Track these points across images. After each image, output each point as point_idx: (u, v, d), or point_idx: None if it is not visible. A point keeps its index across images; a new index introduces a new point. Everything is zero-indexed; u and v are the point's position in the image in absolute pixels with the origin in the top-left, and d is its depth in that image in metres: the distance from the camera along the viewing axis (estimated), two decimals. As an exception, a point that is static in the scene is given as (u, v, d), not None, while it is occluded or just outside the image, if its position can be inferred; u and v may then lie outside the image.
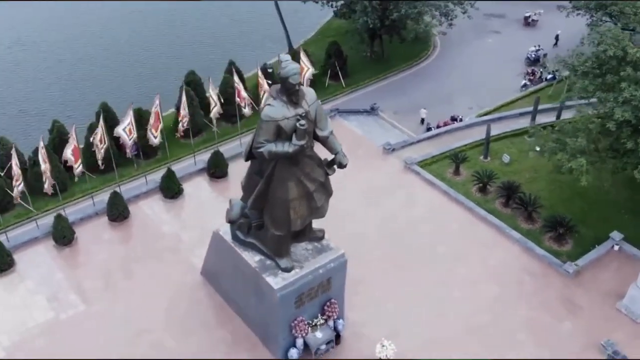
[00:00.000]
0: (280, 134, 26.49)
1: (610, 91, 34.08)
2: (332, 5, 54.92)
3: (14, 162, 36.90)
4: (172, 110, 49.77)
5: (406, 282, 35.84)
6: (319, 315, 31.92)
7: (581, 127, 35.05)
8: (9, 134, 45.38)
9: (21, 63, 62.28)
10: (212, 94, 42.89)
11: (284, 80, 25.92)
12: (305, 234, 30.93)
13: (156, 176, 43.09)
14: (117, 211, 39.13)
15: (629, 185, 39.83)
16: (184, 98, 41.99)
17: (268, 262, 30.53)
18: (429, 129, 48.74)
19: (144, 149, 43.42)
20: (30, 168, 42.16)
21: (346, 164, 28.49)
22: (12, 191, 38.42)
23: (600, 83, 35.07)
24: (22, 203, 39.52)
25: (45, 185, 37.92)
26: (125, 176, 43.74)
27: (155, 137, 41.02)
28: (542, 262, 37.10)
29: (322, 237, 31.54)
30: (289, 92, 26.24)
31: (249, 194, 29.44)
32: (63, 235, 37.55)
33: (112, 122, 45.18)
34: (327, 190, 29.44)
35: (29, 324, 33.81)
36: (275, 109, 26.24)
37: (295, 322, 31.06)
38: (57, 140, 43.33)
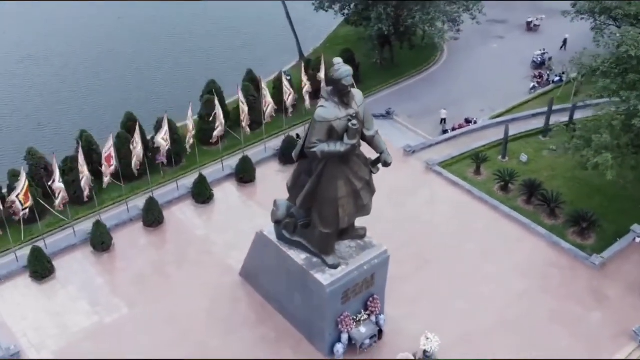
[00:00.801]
0: (332, 134, 27.56)
1: (633, 89, 35.58)
2: (344, 14, 56.11)
3: (56, 172, 37.46)
4: (195, 117, 50.64)
5: (437, 279, 36.96)
6: (362, 310, 32.94)
7: (604, 124, 36.47)
8: (35, 145, 45.78)
9: (35, 77, 62.70)
10: (242, 101, 43.71)
11: (337, 81, 27.03)
12: (349, 232, 31.96)
13: (184, 182, 43.96)
14: (153, 217, 39.90)
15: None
16: (217, 107, 42.89)
17: (314, 259, 31.49)
18: (445, 132, 50.04)
19: (170, 157, 44.26)
20: (62, 177, 42.79)
21: (391, 162, 29.64)
22: (44, 201, 39.18)
23: (621, 82, 36.61)
24: (56, 213, 39.95)
25: (86, 192, 38.60)
26: (154, 183, 44.45)
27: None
28: (569, 255, 38.43)
29: (364, 235, 32.59)
30: (341, 94, 27.37)
31: (297, 194, 30.41)
32: (102, 241, 38.24)
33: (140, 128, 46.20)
34: (371, 189, 30.54)
35: (73, 328, 34.42)
36: (327, 110, 27.33)
37: (342, 317, 32.05)
38: (87, 149, 43.97)
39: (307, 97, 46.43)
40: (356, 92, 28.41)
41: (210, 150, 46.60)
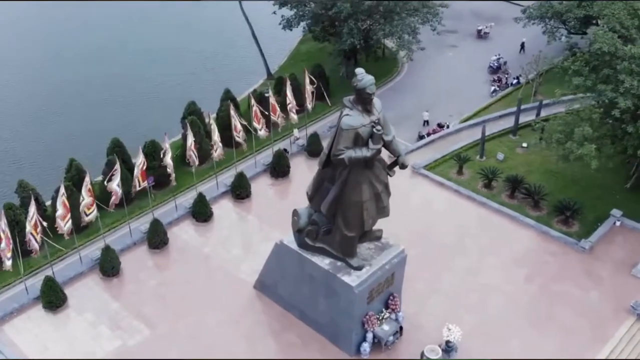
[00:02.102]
0: (357, 141, 29.07)
1: (607, 83, 38.70)
2: (311, 30, 57.78)
3: (60, 200, 37.30)
4: (178, 137, 51.29)
5: (443, 275, 38.89)
6: (384, 309, 34.37)
7: (584, 117, 39.43)
8: (24, 177, 45.11)
9: (15, 106, 61.54)
10: (236, 119, 44.52)
11: (361, 90, 28.61)
12: (367, 234, 33.40)
13: (179, 202, 44.34)
14: (159, 238, 40.20)
15: (613, 169, 44.51)
16: (214, 129, 43.71)
17: (339, 263, 32.77)
18: (421, 137, 52.26)
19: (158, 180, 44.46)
20: (53, 208, 42.51)
21: (408, 165, 31.38)
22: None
23: (595, 78, 39.75)
24: (52, 243, 39.42)
25: (88, 217, 38.57)
26: (144, 208, 44.54)
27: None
28: (558, 242, 41.13)
29: (381, 237, 34.11)
30: (365, 102, 28.96)
31: (319, 201, 31.71)
32: (112, 266, 38.29)
33: (124, 155, 46.35)
34: (388, 191, 32.15)
35: (98, 354, 34.40)
36: (353, 118, 28.84)
37: (367, 316, 33.40)
38: (77, 178, 43.73)
39: (293, 112, 47.67)
40: (375, 100, 30.02)
41: (198, 170, 46.87)
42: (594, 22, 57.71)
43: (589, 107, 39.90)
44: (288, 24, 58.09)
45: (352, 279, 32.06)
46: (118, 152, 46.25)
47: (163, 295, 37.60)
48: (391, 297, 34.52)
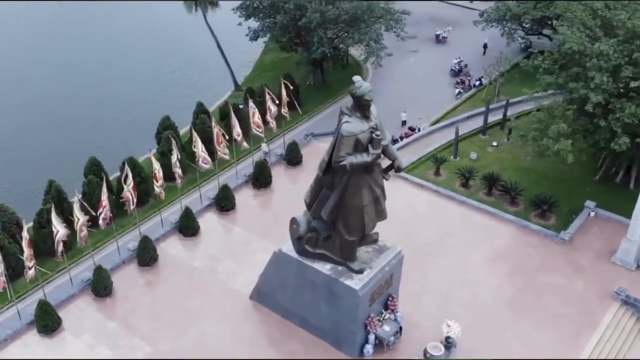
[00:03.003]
0: (357, 147, 29.80)
1: (578, 80, 40.54)
2: (278, 41, 58.30)
3: (54, 220, 36.74)
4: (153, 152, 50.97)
5: (433, 273, 39.89)
6: (383, 310, 35.10)
7: (558, 114, 41.15)
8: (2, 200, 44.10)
9: None
10: (217, 130, 44.59)
11: (360, 97, 29.37)
12: (365, 238, 34.07)
13: (151, 223, 44.10)
14: (149, 255, 39.94)
15: (581, 164, 46.43)
16: (196, 138, 43.54)
17: (339, 268, 33.34)
18: (395, 141, 53.24)
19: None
20: (36, 231, 41.83)
21: (403, 168, 32.24)
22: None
23: (565, 75, 41.60)
24: (38, 268, 38.74)
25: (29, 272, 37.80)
26: (126, 225, 44.13)
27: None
28: (539, 235, 42.72)
29: (377, 239, 34.83)
30: (364, 108, 29.73)
31: (319, 208, 32.24)
32: (104, 286, 37.85)
33: (102, 174, 45.81)
34: (384, 194, 32.94)
35: (101, 374, 34.03)
36: (353, 125, 29.54)
37: (369, 319, 34.06)
38: (56, 199, 43.03)
39: (273, 121, 48.05)
40: (372, 107, 30.78)
41: (172, 186, 46.47)
42: (549, 22, 60.41)
43: (561, 105, 41.62)
44: (255, 35, 58.53)
45: (354, 282, 32.68)
46: (96, 170, 45.89)
47: (160, 312, 37.36)
48: (390, 298, 35.28)
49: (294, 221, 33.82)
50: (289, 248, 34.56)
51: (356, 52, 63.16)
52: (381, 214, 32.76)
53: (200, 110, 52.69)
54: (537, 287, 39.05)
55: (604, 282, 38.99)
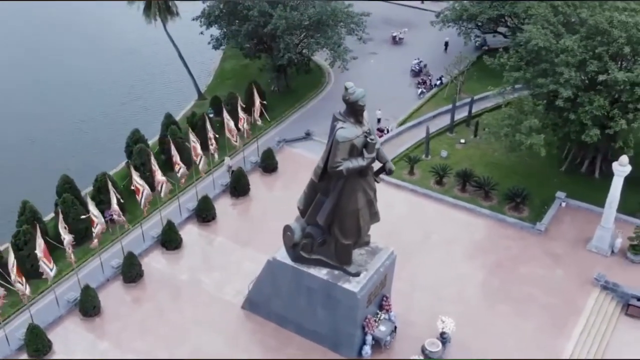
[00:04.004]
0: (353, 151, 30.20)
1: (546, 76, 42.00)
2: (242, 48, 58.12)
3: (39, 242, 35.84)
4: (121, 167, 50.44)
5: (419, 271, 40.64)
6: (378, 311, 35.62)
7: (528, 109, 42.54)
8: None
9: None
10: (194, 140, 44.24)
11: (354, 103, 29.76)
12: (358, 241, 34.49)
13: (131, 238, 43.45)
14: (135, 271, 39.35)
15: (546, 156, 47.74)
16: (175, 152, 43.05)
17: (336, 272, 33.67)
18: (365, 143, 53.90)
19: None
20: (15, 251, 40.62)
21: (394, 170, 32.87)
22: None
23: (533, 71, 43.06)
24: (22, 284, 37.61)
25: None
26: (104, 242, 43.30)
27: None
28: (515, 228, 44.06)
29: (369, 241, 35.31)
30: (357, 113, 30.15)
31: (314, 214, 32.51)
32: (93, 305, 37.17)
33: (75, 192, 45.03)
34: (376, 197, 33.45)
35: (98, 395, 33.39)
36: (348, 130, 29.92)
37: (366, 320, 34.51)
38: (31, 219, 41.93)
39: (247, 128, 48.01)
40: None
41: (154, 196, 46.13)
42: (503, 20, 62.25)
43: (531, 100, 42.96)
44: (218, 44, 58.23)
45: (353, 285, 33.07)
46: (69, 189, 44.96)
47: (151, 328, 36.89)
48: (384, 298, 35.83)
49: (287, 229, 33.96)
50: (283, 255, 34.66)
51: (319, 56, 63.47)
52: (375, 216, 33.28)
53: (169, 122, 52.15)
54: (519, 279, 40.27)
55: (582, 269, 40.53)
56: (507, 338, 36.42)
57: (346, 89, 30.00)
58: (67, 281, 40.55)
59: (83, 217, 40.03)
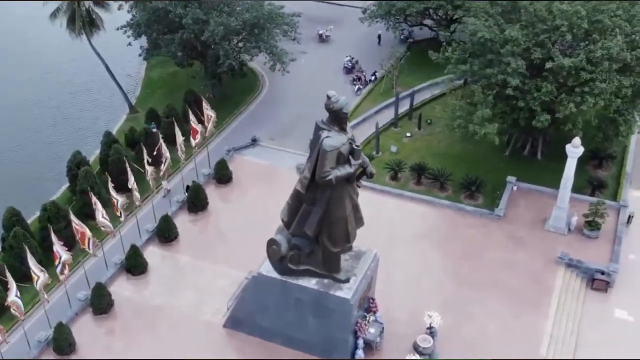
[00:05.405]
0: (339, 159, 30.05)
1: (495, 66, 43.28)
2: (175, 56, 56.38)
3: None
4: (62, 190, 48.33)
5: (393, 268, 40.81)
6: (366, 313, 35.73)
7: (479, 100, 43.70)
8: None
9: None
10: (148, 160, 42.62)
11: (339, 111, 29.57)
12: (344, 247, 34.36)
13: (89, 264, 41.42)
14: (105, 301, 37.55)
15: (489, 143, 49.29)
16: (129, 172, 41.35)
17: (325, 281, 33.49)
18: (313, 144, 53.65)
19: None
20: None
21: (375, 174, 33.01)
22: None
23: (479, 63, 44.28)
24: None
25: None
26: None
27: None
28: (474, 215, 45.31)
29: (352, 246, 35.25)
30: (342, 121, 29.99)
31: (300, 224, 32.14)
32: (68, 343, 35.22)
33: (22, 223, 42.53)
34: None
35: None
36: (335, 139, 29.74)
37: (358, 325, 34.55)
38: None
39: (197, 139, 46.70)
40: (344, 118, 31.09)
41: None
42: (428, 13, 63.60)
43: (481, 91, 44.07)
44: (149, 54, 56.26)
45: (345, 292, 33.01)
46: (16, 221, 42.33)
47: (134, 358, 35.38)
48: (371, 300, 35.99)
49: (273, 242, 33.39)
50: (268, 269, 34.09)
51: (254, 62, 62.41)
52: (360, 221, 33.30)
53: (110, 140, 49.94)
54: (488, 265, 41.48)
55: (544, 250, 42.23)
56: (488, 324, 37.51)
57: (329, 97, 29.73)
58: (31, 318, 38.14)
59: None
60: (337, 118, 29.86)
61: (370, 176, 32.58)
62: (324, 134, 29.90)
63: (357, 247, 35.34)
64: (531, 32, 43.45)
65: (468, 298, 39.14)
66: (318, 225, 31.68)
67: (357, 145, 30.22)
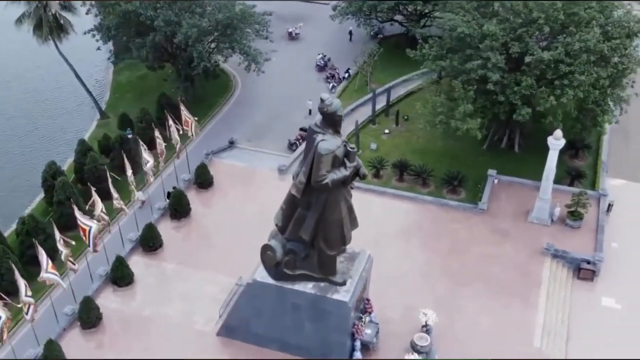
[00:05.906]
0: (335, 163, 29.79)
1: (471, 61, 43.46)
2: (145, 59, 55.18)
3: None
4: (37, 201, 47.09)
5: (383, 267, 40.37)
6: (361, 315, 35.61)
7: (460, 96, 43.88)
8: None
9: None
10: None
11: (333, 114, 29.26)
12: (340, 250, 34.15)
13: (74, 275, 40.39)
14: (94, 315, 36.63)
15: (465, 137, 49.49)
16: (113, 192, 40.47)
17: (322, 284, 33.22)
18: (291, 144, 53.11)
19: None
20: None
21: (367, 175, 32.87)
22: None
23: (458, 58, 44.45)
24: None
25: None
26: (41, 290, 39.92)
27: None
28: (458, 210, 45.59)
29: (345, 248, 35.08)
30: (336, 124, 29.70)
31: (295, 229, 31.82)
32: (60, 361, 34.17)
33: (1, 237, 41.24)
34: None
35: None
36: (330, 142, 29.44)
37: (355, 327, 34.41)
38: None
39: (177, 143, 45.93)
40: (335, 120, 30.78)
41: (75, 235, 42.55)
42: (398, 8, 63.68)
43: (461, 87, 44.21)
44: (119, 58, 55.01)
45: (342, 295, 32.81)
46: (-7, 236, 41.03)
47: (128, 371, 34.68)
48: (366, 301, 35.88)
49: (267, 248, 32.96)
50: (263, 276, 33.66)
51: (227, 62, 61.59)
52: (354, 222, 33.13)
53: (85, 148, 48.68)
54: (475, 259, 41.79)
55: (529, 241, 42.73)
56: (481, 318, 37.79)
57: (322, 100, 29.39)
58: (16, 334, 37.03)
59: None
60: (332, 121, 29.56)
61: (362, 177, 32.41)
62: (319, 137, 29.57)
63: (350, 248, 35.15)
64: (508, 27, 43.80)
65: (458, 294, 39.36)
66: (314, 229, 31.36)
67: (352, 147, 29.97)
